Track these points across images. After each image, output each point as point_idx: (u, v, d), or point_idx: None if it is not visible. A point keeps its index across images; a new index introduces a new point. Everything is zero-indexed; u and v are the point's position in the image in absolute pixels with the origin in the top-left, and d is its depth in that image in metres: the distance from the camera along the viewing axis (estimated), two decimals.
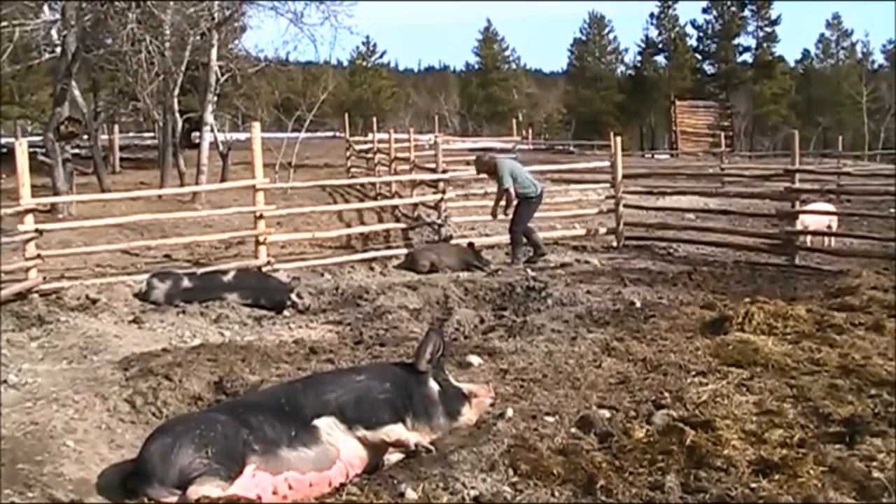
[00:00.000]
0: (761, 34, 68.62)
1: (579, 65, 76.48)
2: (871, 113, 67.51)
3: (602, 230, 15.79)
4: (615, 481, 4.57)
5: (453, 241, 14.44)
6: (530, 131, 55.69)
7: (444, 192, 15.39)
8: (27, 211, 11.38)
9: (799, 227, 13.69)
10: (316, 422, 5.03)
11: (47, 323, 9.16)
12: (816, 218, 14.38)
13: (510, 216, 13.49)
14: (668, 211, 17.20)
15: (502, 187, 13.21)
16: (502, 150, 35.61)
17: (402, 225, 16.29)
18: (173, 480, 4.52)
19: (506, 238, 13.78)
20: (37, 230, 11.50)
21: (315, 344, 8.27)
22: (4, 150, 32.53)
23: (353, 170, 30.76)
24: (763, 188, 18.29)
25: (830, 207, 15.16)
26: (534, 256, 13.32)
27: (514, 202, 13.23)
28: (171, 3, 22.92)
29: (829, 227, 14.63)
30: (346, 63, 75.79)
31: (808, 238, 14.06)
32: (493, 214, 13.75)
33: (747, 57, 69.43)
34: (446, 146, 27.18)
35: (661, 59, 71.42)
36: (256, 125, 13.29)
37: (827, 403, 5.67)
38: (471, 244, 13.64)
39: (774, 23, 68.32)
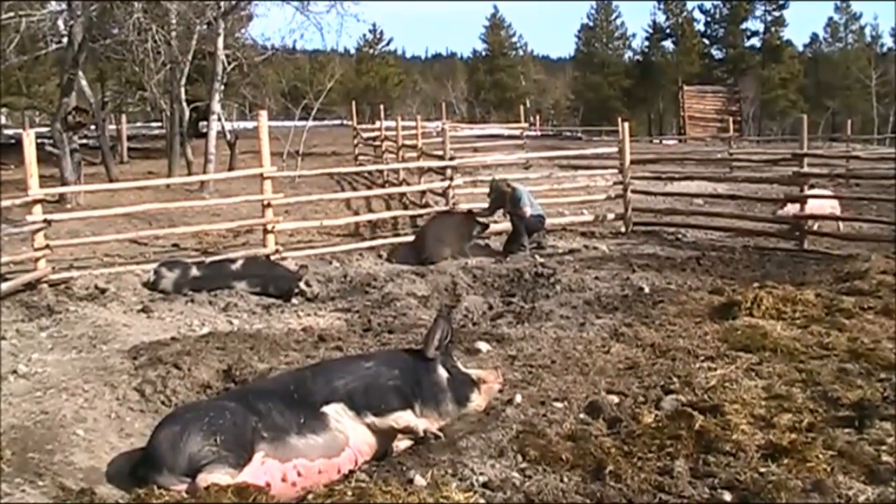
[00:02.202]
0: (769, 18, 68.41)
1: (587, 51, 76.22)
2: (880, 97, 67.12)
3: (610, 216, 15.74)
4: (624, 466, 4.58)
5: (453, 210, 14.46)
6: (538, 118, 55.64)
7: (451, 179, 15.38)
8: (35, 201, 11.39)
9: (791, 212, 13.78)
10: (325, 409, 5.04)
11: (56, 313, 9.19)
12: (816, 203, 14.35)
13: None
14: (677, 196, 17.18)
15: (521, 210, 13.26)
16: (510, 137, 35.60)
17: (410, 212, 16.25)
18: (182, 468, 4.55)
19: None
20: (45, 220, 11.51)
21: (323, 331, 8.28)
22: (12, 140, 32.65)
23: (360, 157, 30.71)
24: (771, 173, 18.18)
25: (828, 192, 15.02)
26: (538, 248, 13.34)
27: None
28: None
29: (830, 212, 14.56)
30: (352, 51, 75.72)
31: (815, 223, 14.03)
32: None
33: (755, 41, 69.29)
34: (454, 133, 27.16)
35: (668, 44, 71.33)
36: (263, 114, 13.28)
37: (836, 388, 5.67)
38: (469, 211, 13.70)
39: (782, 7, 68.11)
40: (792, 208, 13.92)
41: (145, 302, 9.99)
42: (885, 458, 4.58)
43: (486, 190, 14.33)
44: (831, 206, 14.59)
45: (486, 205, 13.96)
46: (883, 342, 6.65)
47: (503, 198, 13.55)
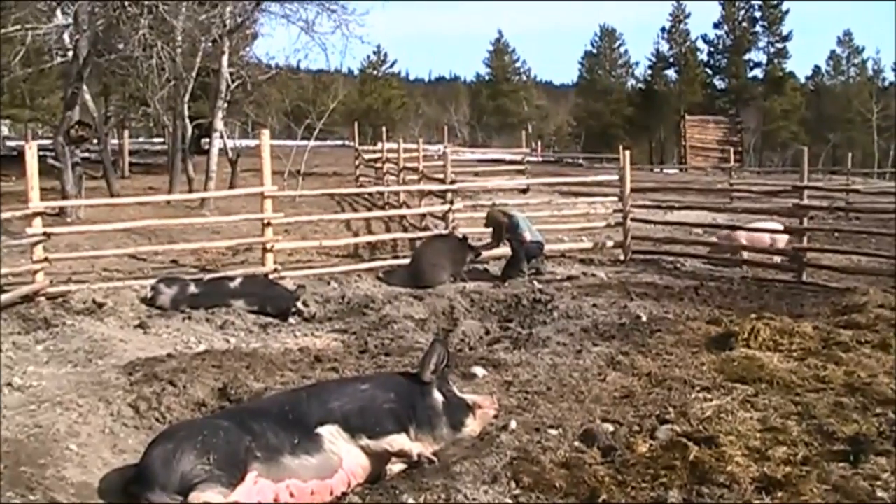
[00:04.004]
0: (772, 50, 68.67)
1: (590, 77, 76.53)
2: (881, 130, 67.31)
3: (609, 243, 15.77)
4: (618, 496, 4.57)
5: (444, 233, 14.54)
6: (540, 143, 55.71)
7: (452, 202, 15.39)
8: (35, 214, 11.40)
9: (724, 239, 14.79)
10: (319, 430, 5.03)
11: (53, 326, 9.16)
12: (756, 236, 14.66)
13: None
14: (676, 225, 17.19)
15: (520, 238, 13.32)
16: (511, 162, 35.66)
17: (410, 235, 16.25)
18: (175, 486, 4.52)
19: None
20: (45, 233, 11.51)
21: (320, 352, 8.28)
22: (14, 152, 32.68)
23: (361, 179, 30.80)
24: (771, 204, 18.28)
25: (776, 226, 14.99)
26: (536, 274, 13.35)
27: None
28: (183, 9, 22.97)
29: (771, 245, 14.61)
30: (356, 72, 75.95)
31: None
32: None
33: (758, 72, 69.50)
34: (455, 157, 27.17)
35: (671, 73, 71.46)
36: (266, 132, 13.31)
37: (832, 421, 5.66)
38: (464, 237, 13.73)
39: (786, 39, 68.37)
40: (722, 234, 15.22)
41: (142, 318, 9.99)
42: (879, 493, 4.56)
43: (486, 214, 14.35)
44: (773, 238, 14.62)
45: (488, 239, 13.99)
46: (880, 376, 6.64)
47: (501, 227, 13.59)
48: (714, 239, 15.78)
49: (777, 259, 14.52)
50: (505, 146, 56.17)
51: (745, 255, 14.84)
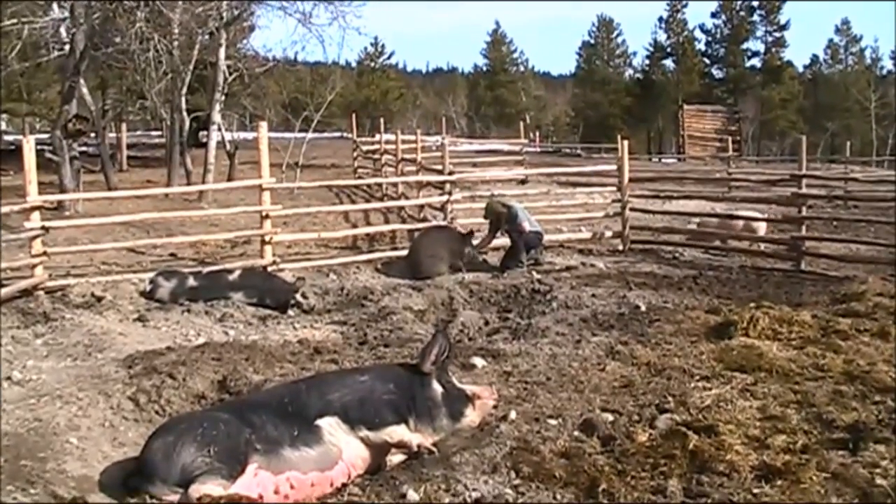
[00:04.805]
0: (770, 39, 68.59)
1: (587, 68, 76.49)
2: (879, 119, 67.26)
3: (608, 234, 15.76)
4: (617, 485, 4.57)
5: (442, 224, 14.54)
6: (538, 134, 55.66)
7: (450, 193, 15.38)
8: (34, 208, 11.37)
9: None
10: (319, 422, 5.03)
11: (52, 320, 9.17)
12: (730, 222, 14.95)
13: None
14: (675, 215, 17.18)
15: (519, 226, 13.30)
16: (509, 153, 35.63)
17: (408, 226, 16.24)
18: (175, 479, 4.53)
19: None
20: (43, 227, 11.48)
21: (319, 344, 8.28)
22: (12, 146, 32.65)
23: (359, 170, 30.74)
24: (770, 193, 18.28)
25: (756, 214, 15.07)
26: (535, 264, 13.36)
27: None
28: (180, 1, 22.93)
29: (745, 231, 14.79)
30: (353, 64, 75.86)
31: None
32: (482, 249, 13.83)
33: (756, 62, 69.46)
34: (453, 148, 27.16)
35: (669, 62, 71.47)
36: (263, 125, 13.26)
37: (831, 409, 5.66)
38: (470, 232, 13.73)
39: (783, 28, 68.32)
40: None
41: (141, 311, 9.99)
42: (879, 481, 4.56)
43: (484, 205, 14.34)
44: (752, 226, 14.71)
45: (485, 231, 13.98)
46: (878, 364, 6.65)
47: (499, 218, 13.58)
48: (693, 226, 16.01)
49: (762, 246, 14.60)
50: (503, 137, 56.13)
51: (732, 242, 14.95)
